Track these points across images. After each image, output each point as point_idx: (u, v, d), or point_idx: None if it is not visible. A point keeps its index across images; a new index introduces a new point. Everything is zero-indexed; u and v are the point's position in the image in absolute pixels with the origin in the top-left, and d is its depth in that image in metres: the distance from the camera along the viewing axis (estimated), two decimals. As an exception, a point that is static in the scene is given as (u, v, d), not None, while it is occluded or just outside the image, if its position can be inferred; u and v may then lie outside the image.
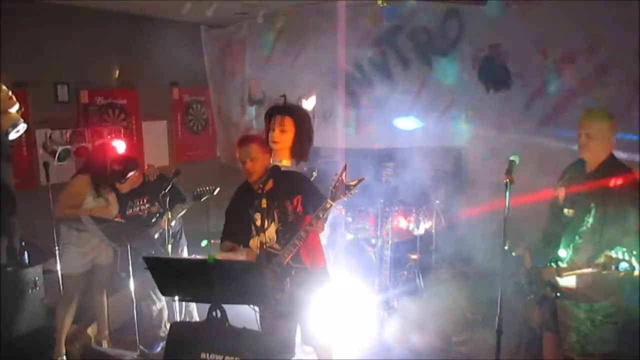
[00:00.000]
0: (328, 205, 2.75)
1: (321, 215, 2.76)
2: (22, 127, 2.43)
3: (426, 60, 5.50)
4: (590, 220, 2.93)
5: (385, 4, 4.38)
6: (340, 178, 2.73)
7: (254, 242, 2.96)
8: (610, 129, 2.96)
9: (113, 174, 4.09)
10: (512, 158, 3.02)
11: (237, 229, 3.02)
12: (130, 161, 4.19)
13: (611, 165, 2.95)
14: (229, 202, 3.10)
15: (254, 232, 2.95)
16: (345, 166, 2.77)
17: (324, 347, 3.17)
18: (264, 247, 2.92)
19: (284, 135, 2.91)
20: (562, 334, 3.14)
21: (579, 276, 2.91)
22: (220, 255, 2.90)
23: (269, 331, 2.98)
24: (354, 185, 2.75)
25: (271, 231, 2.93)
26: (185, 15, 5.78)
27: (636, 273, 2.65)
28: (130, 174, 4.14)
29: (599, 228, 2.90)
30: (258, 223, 2.92)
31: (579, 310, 3.02)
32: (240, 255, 2.94)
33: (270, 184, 2.89)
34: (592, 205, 2.92)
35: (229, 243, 3.03)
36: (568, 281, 2.97)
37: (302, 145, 2.96)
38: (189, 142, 6.98)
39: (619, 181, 2.85)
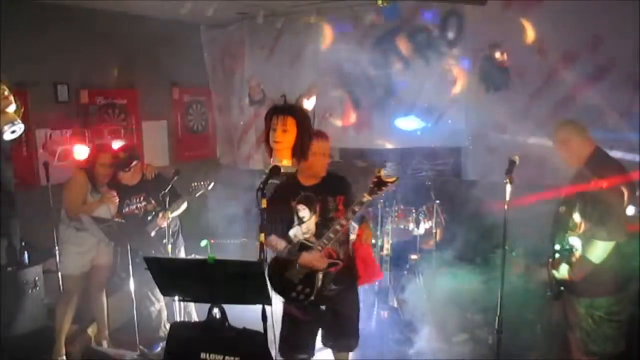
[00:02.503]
0: (364, 199, 2.88)
1: (356, 209, 2.90)
2: (18, 127, 2.37)
3: (426, 60, 5.50)
4: (576, 215, 3.04)
5: (385, 4, 4.38)
6: (378, 174, 2.89)
7: (294, 232, 3.11)
8: (570, 132, 3.17)
9: (118, 162, 4.15)
10: (512, 158, 3.04)
11: (277, 219, 3.12)
12: (134, 150, 4.33)
13: (594, 162, 3.07)
14: (270, 194, 3.16)
15: (296, 222, 3.10)
16: (384, 163, 2.90)
17: (344, 348, 3.30)
18: (300, 239, 3.07)
19: (286, 135, 2.92)
20: (571, 331, 3.20)
21: (571, 269, 3.03)
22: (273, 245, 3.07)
23: (288, 327, 3.11)
24: (392, 182, 2.89)
25: (311, 223, 3.09)
26: (185, 15, 5.78)
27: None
28: (134, 163, 4.21)
29: (581, 223, 3.01)
30: (300, 214, 3.09)
31: (579, 305, 3.09)
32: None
33: (316, 180, 3.11)
34: (578, 200, 3.04)
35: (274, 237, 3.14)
36: (562, 274, 3.08)
37: (303, 145, 2.97)
38: (189, 142, 6.97)
39: (601, 176, 2.96)
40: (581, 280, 3.00)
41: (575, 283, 3.04)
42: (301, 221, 3.09)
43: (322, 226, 3.06)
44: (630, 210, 2.96)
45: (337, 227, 2.94)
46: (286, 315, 3.19)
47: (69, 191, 4.16)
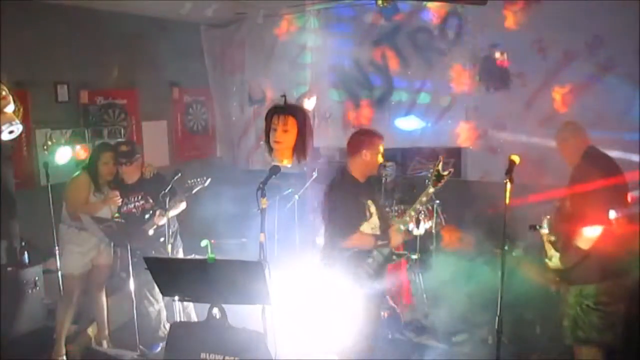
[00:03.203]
0: (431, 191, 3.10)
1: (424, 199, 3.13)
2: (16, 127, 2.32)
3: (426, 60, 5.50)
4: (567, 206, 3.17)
5: (385, 4, 4.38)
6: (437, 168, 3.08)
7: (362, 228, 3.19)
8: (568, 132, 3.29)
9: (121, 154, 4.16)
10: (512, 158, 3.05)
11: (354, 217, 3.18)
12: (135, 144, 4.37)
13: (586, 157, 3.18)
14: (333, 195, 3.21)
15: (368, 216, 3.19)
16: (442, 158, 3.16)
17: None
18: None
19: (286, 135, 2.93)
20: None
21: (562, 257, 3.16)
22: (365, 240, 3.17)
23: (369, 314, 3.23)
24: (447, 175, 3.09)
25: (375, 217, 3.22)
26: (185, 15, 5.78)
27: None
28: (137, 155, 4.22)
29: (569, 216, 3.12)
30: (371, 209, 3.20)
31: (569, 294, 3.20)
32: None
33: (365, 178, 3.26)
34: (569, 196, 3.17)
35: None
36: (555, 263, 3.21)
37: (304, 145, 2.98)
38: (189, 142, 6.97)
39: (590, 168, 3.09)
40: (574, 267, 3.12)
41: (567, 271, 3.16)
42: (371, 216, 3.20)
43: (381, 219, 3.23)
44: (612, 214, 3.03)
45: (412, 212, 3.17)
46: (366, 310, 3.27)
47: (71, 191, 4.16)
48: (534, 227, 3.25)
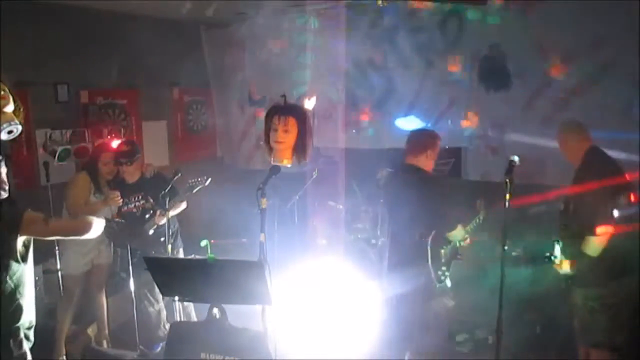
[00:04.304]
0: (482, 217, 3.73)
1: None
2: (15, 127, 2.31)
3: (426, 60, 5.50)
4: (570, 212, 3.15)
5: (385, 4, 4.38)
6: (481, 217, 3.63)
7: None
8: (567, 131, 3.31)
9: (121, 154, 4.16)
10: (511, 158, 3.05)
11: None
12: (135, 144, 4.40)
13: (587, 161, 3.16)
14: (447, 195, 3.53)
15: None
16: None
17: None
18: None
19: (287, 136, 2.93)
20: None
21: (571, 266, 3.16)
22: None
23: None
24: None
25: None
26: (185, 15, 5.78)
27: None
28: (137, 155, 4.24)
29: (572, 219, 3.13)
30: None
31: (576, 295, 3.17)
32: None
33: None
34: (570, 198, 3.16)
35: None
36: (565, 270, 3.19)
37: (304, 145, 2.97)
38: (189, 142, 6.97)
39: (592, 174, 3.06)
40: (582, 269, 3.10)
41: (579, 272, 3.13)
42: None
43: None
44: (615, 213, 3.00)
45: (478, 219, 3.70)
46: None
47: (71, 191, 4.17)
48: (548, 258, 3.24)
